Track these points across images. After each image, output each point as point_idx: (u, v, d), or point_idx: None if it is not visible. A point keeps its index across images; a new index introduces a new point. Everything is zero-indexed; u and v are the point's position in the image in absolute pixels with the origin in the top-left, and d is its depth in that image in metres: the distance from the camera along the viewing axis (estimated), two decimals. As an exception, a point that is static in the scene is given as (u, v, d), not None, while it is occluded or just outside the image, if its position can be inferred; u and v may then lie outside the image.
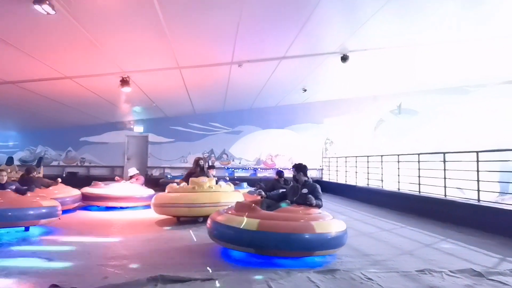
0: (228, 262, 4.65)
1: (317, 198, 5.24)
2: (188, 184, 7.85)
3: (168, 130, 17.43)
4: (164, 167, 16.98)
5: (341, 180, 14.89)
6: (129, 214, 8.90)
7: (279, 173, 8.93)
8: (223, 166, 17.29)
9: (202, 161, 8.79)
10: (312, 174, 17.01)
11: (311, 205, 5.10)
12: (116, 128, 17.37)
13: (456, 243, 5.82)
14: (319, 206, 5.18)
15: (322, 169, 17.48)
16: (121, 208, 9.57)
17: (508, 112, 16.78)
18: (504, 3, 7.79)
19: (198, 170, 8.60)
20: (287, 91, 14.60)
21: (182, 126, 17.47)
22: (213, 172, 9.25)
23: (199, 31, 7.54)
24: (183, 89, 12.31)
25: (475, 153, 7.57)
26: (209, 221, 5.07)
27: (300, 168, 5.57)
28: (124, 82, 9.87)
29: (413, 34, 9.19)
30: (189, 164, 15.76)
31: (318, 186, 5.40)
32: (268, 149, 17.66)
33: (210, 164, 16.12)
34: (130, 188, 10.02)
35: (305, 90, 14.09)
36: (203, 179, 7.83)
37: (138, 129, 17.40)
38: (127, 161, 17.29)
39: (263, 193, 5.83)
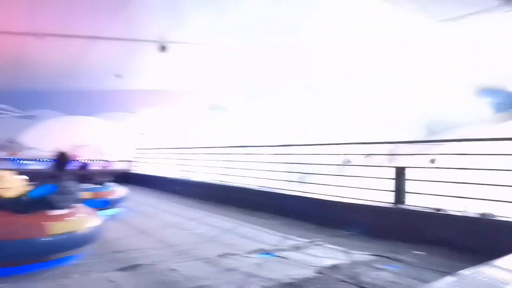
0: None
1: None
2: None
3: None
4: None
5: (154, 172, 14.67)
6: None
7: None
8: (8, 157, 14.40)
9: None
10: (123, 166, 16.15)
11: None
12: None
13: (251, 227, 6.53)
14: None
15: (134, 161, 16.78)
16: None
17: (296, 111, 20.09)
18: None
19: None
20: (100, 75, 13.37)
21: None
22: None
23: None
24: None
25: (271, 147, 8.72)
26: None
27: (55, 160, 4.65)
28: None
29: (231, 35, 9.81)
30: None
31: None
32: (72, 138, 15.75)
33: None
34: None
35: (118, 76, 13.20)
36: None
37: None
38: None
39: None
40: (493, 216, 4.41)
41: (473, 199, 4.89)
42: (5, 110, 14.50)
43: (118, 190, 8.13)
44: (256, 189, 8.85)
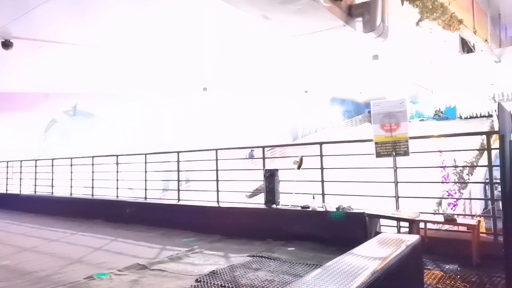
0: None
1: None
2: None
3: None
4: None
5: (1, 189, 12.46)
6: None
7: None
8: None
9: None
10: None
11: None
12: None
13: (125, 241, 6.09)
14: None
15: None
16: None
17: (166, 117, 19.70)
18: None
19: None
20: None
21: None
22: None
23: None
24: None
25: (144, 155, 8.30)
26: None
27: None
28: None
29: (86, 35, 9.05)
30: None
31: None
32: None
33: None
34: None
35: None
36: None
37: None
38: None
39: None
40: (350, 209, 5.05)
41: (334, 195, 5.53)
42: None
43: None
44: (129, 200, 8.33)
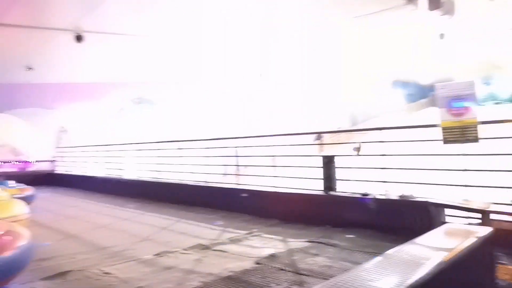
0: None
1: None
2: None
3: None
4: None
5: (79, 172, 13.71)
6: None
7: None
8: None
9: None
10: (43, 166, 14.85)
11: None
12: None
13: (188, 222, 6.44)
14: None
15: (55, 161, 15.49)
16: None
17: (224, 103, 20.02)
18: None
19: None
20: (6, 66, 12.02)
21: None
22: None
23: None
24: None
25: (205, 141, 8.63)
26: None
27: None
28: None
29: (148, 25, 9.48)
30: None
31: None
32: (-21, 138, 14.07)
33: None
34: None
35: (30, 69, 12.06)
36: None
37: None
38: None
39: None
40: (412, 197, 4.85)
41: (395, 183, 5.34)
42: None
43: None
44: (191, 184, 8.71)
